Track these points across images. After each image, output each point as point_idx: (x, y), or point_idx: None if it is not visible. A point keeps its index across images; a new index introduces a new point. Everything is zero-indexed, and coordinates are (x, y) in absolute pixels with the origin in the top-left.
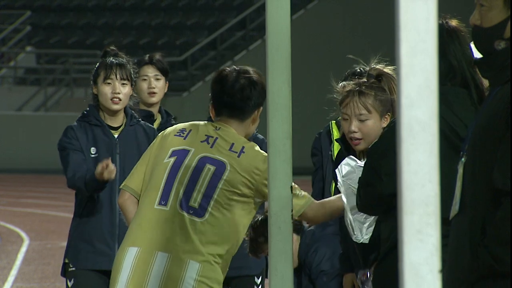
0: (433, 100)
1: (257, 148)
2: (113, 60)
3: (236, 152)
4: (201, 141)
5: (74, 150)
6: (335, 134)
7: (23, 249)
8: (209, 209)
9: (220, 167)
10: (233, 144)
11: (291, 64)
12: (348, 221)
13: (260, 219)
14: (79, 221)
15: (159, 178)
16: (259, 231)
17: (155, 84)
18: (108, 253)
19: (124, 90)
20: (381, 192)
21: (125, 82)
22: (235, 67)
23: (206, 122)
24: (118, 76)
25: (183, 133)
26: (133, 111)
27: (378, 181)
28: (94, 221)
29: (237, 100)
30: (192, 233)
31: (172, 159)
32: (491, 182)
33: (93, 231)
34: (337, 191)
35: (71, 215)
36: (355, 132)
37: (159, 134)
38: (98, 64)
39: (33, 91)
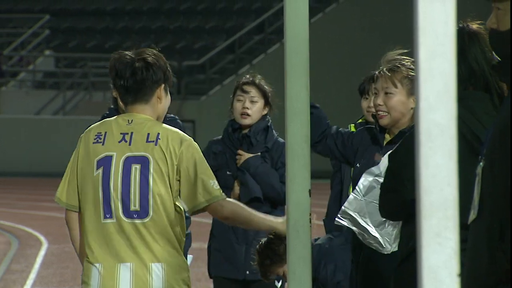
0: (452, 104)
1: (171, 130)
2: None
3: (153, 141)
4: (119, 142)
5: None
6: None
7: (42, 252)
8: (151, 206)
9: (144, 162)
10: (148, 134)
11: (309, 68)
12: (374, 239)
13: (263, 242)
14: None
15: (95, 192)
16: (263, 255)
17: None
18: None
19: None
20: (404, 197)
21: None
22: (128, 53)
23: (117, 117)
24: None
25: (100, 139)
26: None
27: (401, 187)
28: None
29: (132, 83)
30: (143, 236)
31: (100, 171)
32: (510, 186)
33: None
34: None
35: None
36: (380, 105)
37: (80, 139)
38: None
39: (51, 95)
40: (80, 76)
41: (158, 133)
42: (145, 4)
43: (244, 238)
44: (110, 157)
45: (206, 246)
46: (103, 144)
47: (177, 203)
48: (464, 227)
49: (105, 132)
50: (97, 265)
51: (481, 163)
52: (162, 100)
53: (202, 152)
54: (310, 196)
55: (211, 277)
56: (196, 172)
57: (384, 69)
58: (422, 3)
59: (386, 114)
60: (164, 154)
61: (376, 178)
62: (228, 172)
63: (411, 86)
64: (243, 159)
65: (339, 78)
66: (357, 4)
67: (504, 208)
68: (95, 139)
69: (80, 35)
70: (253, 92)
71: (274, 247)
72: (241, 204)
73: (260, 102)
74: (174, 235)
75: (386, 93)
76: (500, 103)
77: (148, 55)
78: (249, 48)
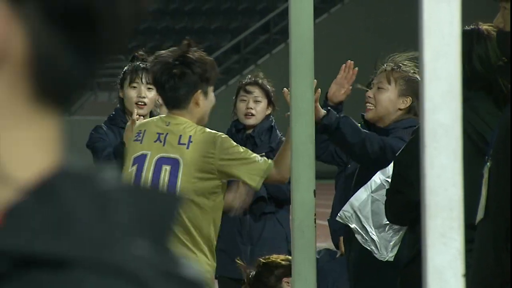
0: (457, 104)
1: (204, 131)
2: (140, 64)
3: (185, 144)
4: (154, 141)
5: (104, 142)
6: None
7: None
8: None
9: (175, 164)
10: (180, 136)
11: (314, 68)
12: (371, 241)
13: (252, 275)
14: None
15: None
16: (255, 286)
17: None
18: None
19: (150, 95)
20: (410, 199)
21: (151, 86)
22: (166, 56)
23: (158, 117)
24: (144, 80)
25: (139, 137)
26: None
27: (407, 188)
28: None
29: (166, 92)
30: None
31: (134, 168)
32: None
33: None
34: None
35: None
36: (370, 97)
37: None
38: (125, 68)
39: None
40: None
41: (190, 136)
42: (151, 5)
43: (249, 238)
44: (145, 155)
45: None
46: (141, 142)
47: (208, 203)
48: (470, 227)
49: (144, 131)
50: None
51: (488, 164)
52: (200, 104)
53: None
54: (315, 196)
55: (216, 278)
56: (236, 163)
57: (385, 65)
58: (427, 3)
59: (373, 107)
60: (196, 157)
61: (387, 179)
62: None
63: (405, 88)
64: None
65: None
66: (362, 5)
67: (510, 209)
68: (135, 136)
69: None
70: (257, 92)
71: (264, 279)
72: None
73: (263, 102)
74: (201, 238)
75: (378, 88)
76: (505, 104)
77: (185, 59)
78: (254, 48)
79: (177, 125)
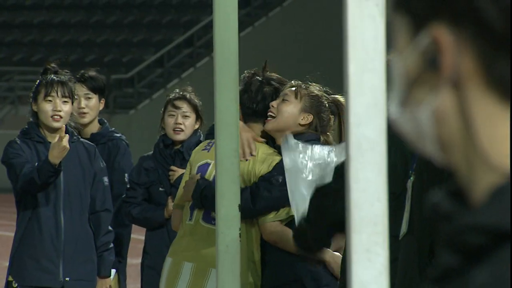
0: (381, 119)
1: (262, 148)
2: (54, 77)
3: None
4: None
5: (21, 157)
6: None
7: None
8: None
9: None
10: None
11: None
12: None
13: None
14: (23, 236)
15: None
16: None
17: (85, 103)
18: (53, 271)
19: (65, 108)
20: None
21: (66, 100)
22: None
23: None
24: (59, 93)
25: (209, 145)
26: (73, 129)
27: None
28: (39, 237)
29: (261, 108)
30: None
31: (198, 176)
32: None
33: (38, 247)
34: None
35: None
36: (273, 106)
37: (194, 149)
38: (38, 81)
39: None
40: (6, 90)
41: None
42: (73, 17)
43: None
44: (209, 164)
45: (139, 262)
46: (208, 151)
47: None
48: (395, 240)
49: (214, 142)
50: (169, 259)
51: (411, 178)
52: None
53: (133, 168)
54: (240, 211)
55: None
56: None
57: (296, 81)
58: (352, 19)
59: (273, 118)
60: (249, 169)
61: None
62: (160, 189)
63: (309, 105)
64: (177, 175)
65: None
66: (287, 19)
67: (432, 224)
68: (205, 147)
69: (6, 48)
70: (185, 107)
71: None
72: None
73: (192, 117)
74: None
75: (283, 100)
76: None
77: (271, 79)
78: (178, 62)
79: None
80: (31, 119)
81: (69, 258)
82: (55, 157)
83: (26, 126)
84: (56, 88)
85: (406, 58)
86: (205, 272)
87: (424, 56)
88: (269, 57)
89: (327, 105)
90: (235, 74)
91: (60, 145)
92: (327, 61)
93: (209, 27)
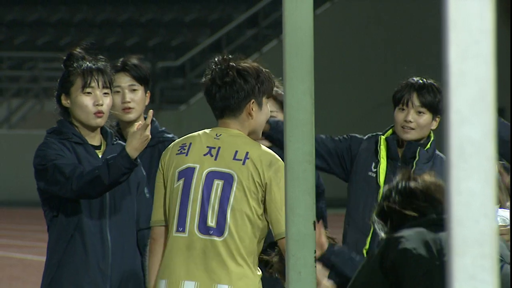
0: (489, 115)
1: (262, 150)
2: (91, 64)
3: (241, 160)
4: (204, 155)
5: (65, 158)
6: (383, 153)
7: None
8: (228, 224)
9: (228, 179)
10: (236, 152)
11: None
12: None
13: (274, 258)
14: (62, 259)
15: (173, 204)
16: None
17: (131, 96)
18: None
19: (106, 101)
20: None
21: (106, 91)
22: (219, 62)
23: (204, 131)
24: (100, 84)
25: (184, 149)
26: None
27: None
28: (83, 259)
29: (218, 100)
30: (216, 255)
31: (181, 182)
32: None
33: (81, 272)
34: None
35: (40, 257)
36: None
37: (162, 154)
38: (67, 70)
39: None
40: (28, 80)
41: (247, 152)
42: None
43: None
44: (193, 169)
45: None
46: (186, 155)
47: (260, 222)
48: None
49: (190, 143)
50: (163, 281)
51: None
52: (254, 116)
53: None
54: (315, 229)
55: None
56: (277, 201)
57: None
58: None
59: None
60: (251, 174)
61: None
62: None
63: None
64: None
65: (348, 81)
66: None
67: None
68: (179, 150)
69: (29, 29)
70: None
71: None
72: None
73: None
74: (252, 255)
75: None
76: None
77: (238, 69)
78: (239, 46)
79: (231, 137)
80: (61, 117)
81: (117, 284)
82: (134, 148)
83: (56, 125)
84: (96, 77)
85: None
86: None
87: None
88: (350, 38)
89: None
90: (310, 60)
91: (142, 133)
92: (420, 45)
93: (278, 2)
